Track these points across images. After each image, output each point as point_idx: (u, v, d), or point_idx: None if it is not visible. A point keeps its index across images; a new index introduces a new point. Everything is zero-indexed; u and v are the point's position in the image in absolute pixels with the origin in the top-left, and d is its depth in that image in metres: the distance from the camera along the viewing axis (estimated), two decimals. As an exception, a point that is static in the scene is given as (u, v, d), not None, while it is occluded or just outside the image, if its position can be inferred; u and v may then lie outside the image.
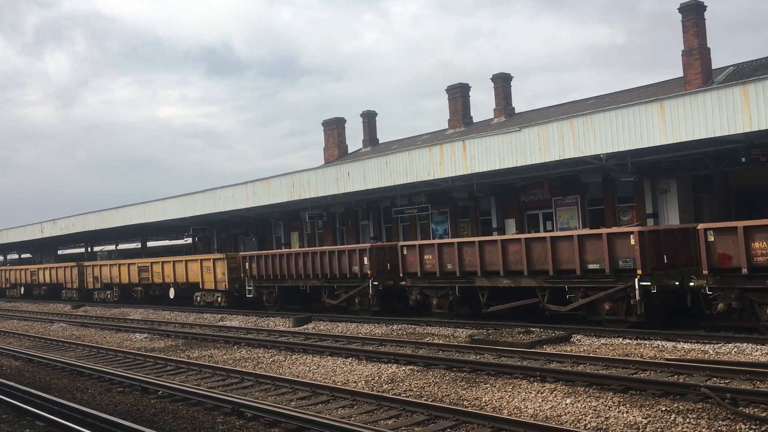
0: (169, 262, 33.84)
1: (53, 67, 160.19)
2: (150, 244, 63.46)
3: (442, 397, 11.60)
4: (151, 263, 35.22)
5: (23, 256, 75.38)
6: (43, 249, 65.43)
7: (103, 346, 20.43)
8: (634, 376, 11.84)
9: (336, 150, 46.77)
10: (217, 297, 30.49)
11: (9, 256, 78.48)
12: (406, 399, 11.11)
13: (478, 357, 14.78)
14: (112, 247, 69.51)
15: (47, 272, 46.71)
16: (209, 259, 31.33)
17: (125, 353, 18.74)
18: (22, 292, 50.47)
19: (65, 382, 15.19)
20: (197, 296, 31.64)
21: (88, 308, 36.80)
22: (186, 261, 32.71)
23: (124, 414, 11.46)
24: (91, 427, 10.30)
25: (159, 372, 15.67)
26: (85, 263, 43.24)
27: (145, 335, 23.40)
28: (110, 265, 39.47)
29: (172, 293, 33.66)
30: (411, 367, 14.32)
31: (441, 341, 17.27)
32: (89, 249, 64.44)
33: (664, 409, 9.83)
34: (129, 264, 37.34)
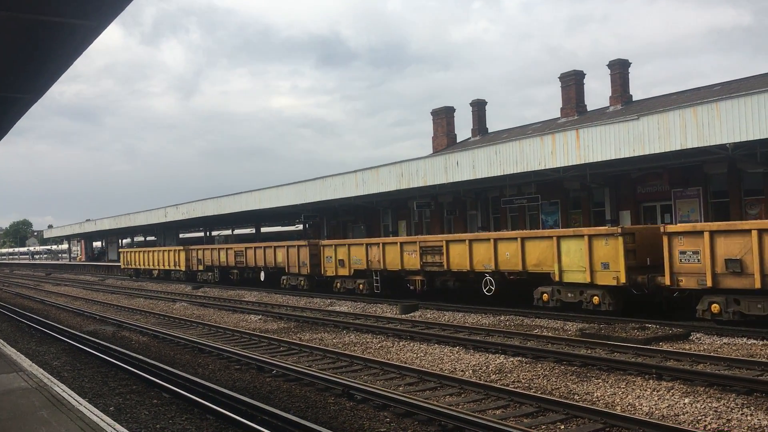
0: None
1: (170, 57, 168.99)
2: (263, 229, 65.94)
3: (552, 390, 11.42)
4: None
5: (148, 238, 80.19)
6: (166, 232, 69.31)
7: (221, 326, 21.49)
8: (760, 378, 11.19)
9: (445, 139, 46.67)
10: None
11: (135, 238, 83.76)
12: (515, 390, 11.03)
13: (589, 351, 14.41)
14: (228, 232, 72.76)
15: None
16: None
17: (242, 333, 19.62)
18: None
19: (188, 357, 16.12)
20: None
21: (207, 289, 38.75)
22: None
23: (242, 390, 12.05)
24: (212, 401, 10.91)
25: (273, 352, 16.31)
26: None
27: (260, 317, 24.39)
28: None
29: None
30: (519, 358, 14.17)
31: (550, 334, 16.96)
32: (207, 233, 67.71)
33: (793, 414, 9.24)
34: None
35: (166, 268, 48.09)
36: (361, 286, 28.35)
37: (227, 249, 40.30)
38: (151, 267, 50.99)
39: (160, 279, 49.64)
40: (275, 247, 34.91)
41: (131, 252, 56.87)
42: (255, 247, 37.10)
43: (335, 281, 30.13)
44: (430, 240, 24.98)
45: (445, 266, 23.61)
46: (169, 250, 48.62)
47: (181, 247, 46.88)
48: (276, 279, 34.82)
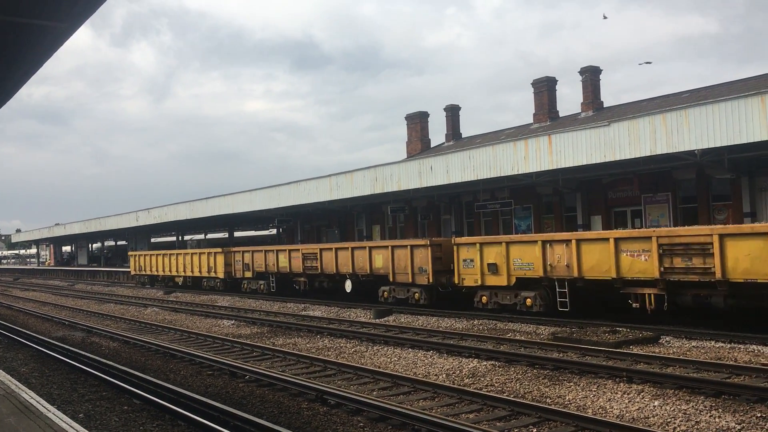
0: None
1: (140, 59, 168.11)
2: (236, 234, 65.51)
3: (525, 393, 11.51)
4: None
5: (119, 243, 79.18)
6: (138, 237, 68.58)
7: (193, 331, 21.29)
8: (728, 380, 11.39)
9: (419, 144, 46.82)
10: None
11: (106, 243, 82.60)
12: (488, 394, 11.09)
13: (561, 355, 14.55)
14: (201, 236, 72.23)
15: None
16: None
17: (214, 338, 19.45)
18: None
19: (159, 363, 15.94)
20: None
21: (179, 294, 38.35)
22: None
23: (215, 396, 11.95)
24: (184, 407, 10.79)
25: (246, 357, 16.20)
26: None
27: (233, 322, 24.20)
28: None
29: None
30: (492, 362, 14.26)
31: (523, 338, 17.09)
32: (180, 237, 67.13)
33: (759, 415, 9.43)
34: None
35: (197, 274, 39.90)
36: (529, 300, 20.61)
37: (290, 251, 32.01)
38: (174, 273, 42.64)
39: (132, 284, 48.59)
40: (371, 248, 27.02)
41: (146, 255, 47.67)
42: (337, 248, 28.95)
43: (478, 294, 22.47)
44: (681, 234, 17.11)
45: (718, 273, 16.03)
46: (201, 253, 39.99)
47: (220, 249, 38.47)
48: (367, 289, 27.27)
